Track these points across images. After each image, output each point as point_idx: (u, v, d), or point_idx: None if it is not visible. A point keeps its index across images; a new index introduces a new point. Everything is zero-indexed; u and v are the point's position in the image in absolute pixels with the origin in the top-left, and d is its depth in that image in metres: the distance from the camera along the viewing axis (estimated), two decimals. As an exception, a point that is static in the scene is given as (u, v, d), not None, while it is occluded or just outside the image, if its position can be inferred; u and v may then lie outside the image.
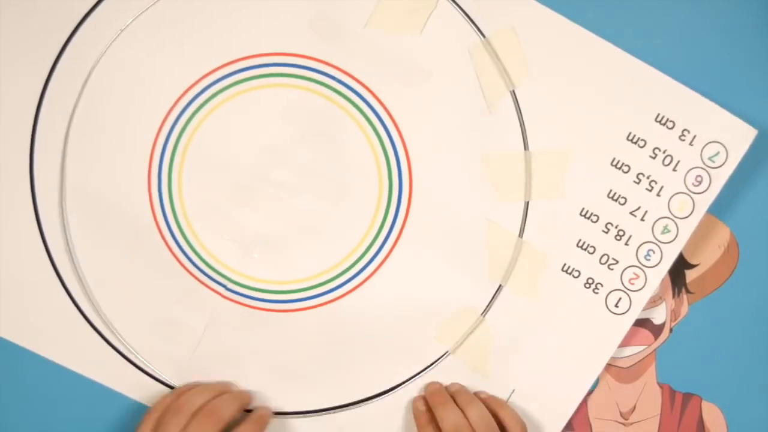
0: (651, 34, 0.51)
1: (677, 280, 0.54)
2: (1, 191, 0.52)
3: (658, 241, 0.52)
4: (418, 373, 0.54)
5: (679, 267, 0.54)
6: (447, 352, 0.54)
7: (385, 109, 0.52)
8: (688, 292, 0.55)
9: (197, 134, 0.52)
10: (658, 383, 0.55)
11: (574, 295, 0.53)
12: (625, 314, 0.52)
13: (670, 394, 0.55)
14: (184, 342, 0.53)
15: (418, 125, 0.52)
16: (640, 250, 0.52)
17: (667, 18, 0.52)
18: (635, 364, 0.55)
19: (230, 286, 0.53)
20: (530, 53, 0.51)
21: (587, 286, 0.53)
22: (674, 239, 0.52)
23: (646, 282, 0.52)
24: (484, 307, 0.53)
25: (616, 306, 0.52)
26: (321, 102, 0.52)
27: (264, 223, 0.53)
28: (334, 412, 0.54)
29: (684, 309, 0.55)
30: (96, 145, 0.52)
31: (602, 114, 0.51)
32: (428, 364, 0.54)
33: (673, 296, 0.55)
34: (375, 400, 0.54)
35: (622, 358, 0.55)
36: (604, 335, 0.53)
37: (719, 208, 0.53)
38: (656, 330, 0.55)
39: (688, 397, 0.55)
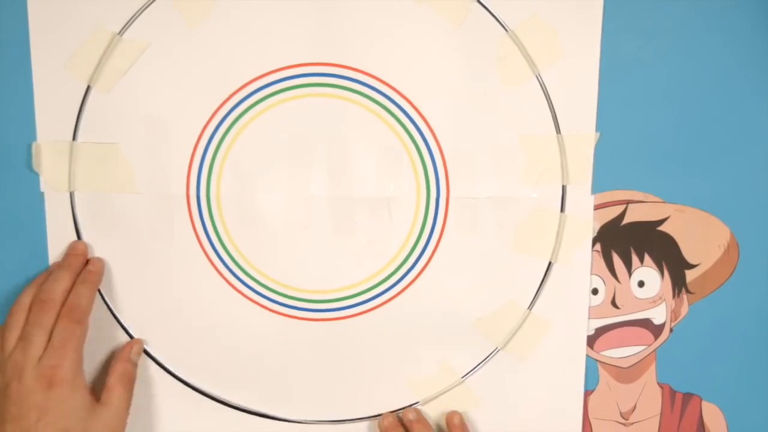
0: (651, 34, 0.51)
1: (677, 280, 0.54)
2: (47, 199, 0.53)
3: None
4: (468, 373, 0.55)
5: (679, 267, 0.54)
6: (497, 348, 0.54)
7: (417, 110, 0.52)
8: (688, 292, 0.55)
9: (236, 144, 0.52)
10: (658, 383, 0.55)
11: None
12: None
13: (670, 394, 0.55)
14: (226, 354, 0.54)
15: (453, 129, 0.52)
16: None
17: (667, 18, 0.52)
18: (635, 364, 0.55)
19: (271, 296, 0.54)
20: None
21: None
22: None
23: None
24: (530, 302, 0.54)
25: None
26: (355, 109, 0.52)
27: (302, 232, 0.53)
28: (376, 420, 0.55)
29: (684, 309, 0.55)
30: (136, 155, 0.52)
31: None
32: (476, 364, 0.54)
33: (673, 296, 0.55)
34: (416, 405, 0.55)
35: (622, 358, 0.55)
36: None
37: (719, 208, 0.53)
38: (656, 330, 0.55)
39: (688, 397, 0.55)
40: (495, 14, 0.51)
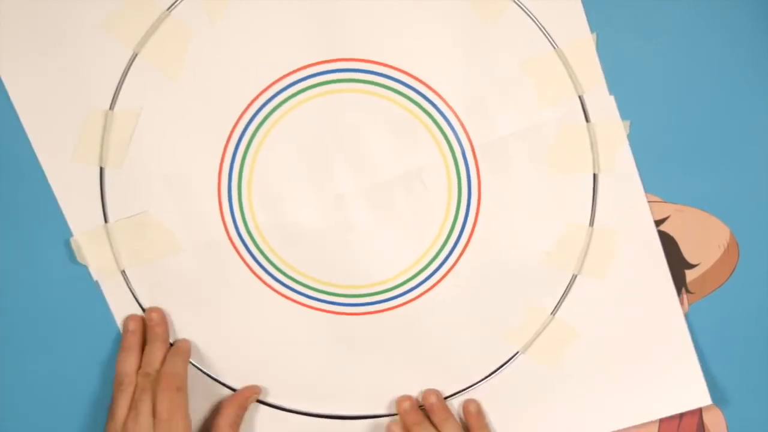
0: (651, 34, 0.51)
1: (677, 280, 0.54)
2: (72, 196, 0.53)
3: None
4: (489, 375, 0.55)
5: (679, 267, 0.54)
6: (518, 352, 0.54)
7: (412, 76, 0.52)
8: (688, 292, 0.55)
9: (255, 170, 0.52)
10: (658, 383, 0.55)
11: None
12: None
13: (670, 394, 0.55)
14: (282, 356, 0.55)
15: (453, 81, 0.52)
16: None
17: (667, 18, 0.52)
18: (635, 363, 0.55)
19: (338, 300, 0.54)
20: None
21: None
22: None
23: None
24: (555, 305, 0.54)
25: None
26: (352, 97, 0.52)
27: (346, 233, 0.53)
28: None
29: (684, 309, 0.54)
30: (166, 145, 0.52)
31: None
32: (500, 364, 0.54)
33: (673, 296, 0.55)
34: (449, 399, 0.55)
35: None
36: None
37: (719, 208, 0.54)
38: (656, 330, 0.55)
39: (688, 397, 0.55)
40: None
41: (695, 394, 0.54)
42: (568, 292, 0.53)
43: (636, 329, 0.54)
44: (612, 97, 0.52)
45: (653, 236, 0.53)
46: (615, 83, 0.52)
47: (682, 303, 0.54)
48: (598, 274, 0.53)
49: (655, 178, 0.53)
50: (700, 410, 0.55)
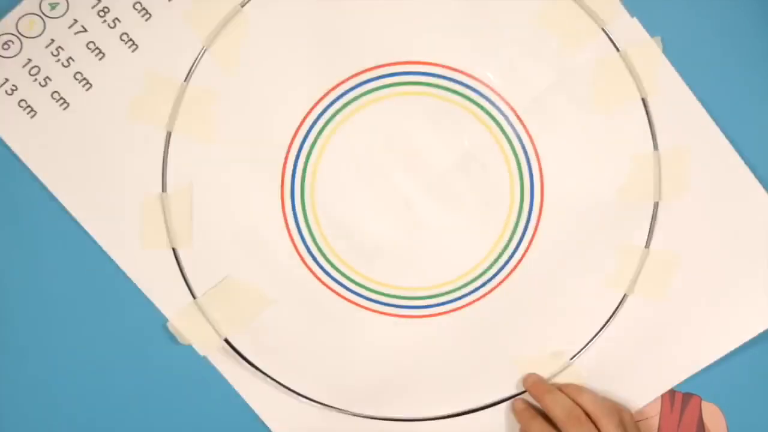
0: (651, 34, 0.52)
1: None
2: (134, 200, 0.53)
3: None
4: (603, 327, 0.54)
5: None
6: (625, 294, 0.53)
7: (517, 116, 0.52)
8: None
9: (320, 168, 0.53)
10: (658, 382, 0.55)
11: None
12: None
13: (670, 393, 0.55)
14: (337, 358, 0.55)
15: (525, 96, 0.52)
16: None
17: (667, 18, 0.52)
18: (636, 362, 0.55)
19: (409, 303, 0.54)
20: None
21: None
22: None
23: None
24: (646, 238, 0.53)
25: None
26: (423, 100, 0.52)
27: (411, 231, 0.53)
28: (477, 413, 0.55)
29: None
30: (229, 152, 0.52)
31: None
32: (611, 312, 0.54)
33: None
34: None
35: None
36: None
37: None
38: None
39: (688, 397, 0.55)
40: None
41: None
42: (655, 221, 0.53)
43: (730, 242, 0.53)
44: (635, 19, 0.51)
45: (722, 142, 0.52)
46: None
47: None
48: (678, 195, 0.52)
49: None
50: (700, 410, 0.55)
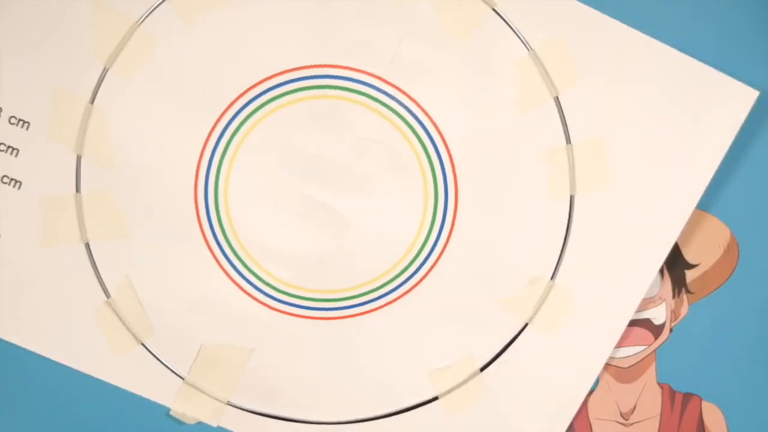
0: (650, 34, 0.51)
1: (677, 280, 0.54)
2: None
3: None
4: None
5: (679, 267, 0.54)
6: (526, 323, 0.53)
7: (424, 111, 0.52)
8: (688, 292, 0.55)
9: (232, 176, 0.52)
10: (658, 383, 0.55)
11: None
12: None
13: (670, 394, 0.55)
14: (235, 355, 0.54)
15: (462, 134, 0.52)
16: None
17: (667, 18, 0.52)
18: (635, 364, 0.55)
19: (279, 297, 0.54)
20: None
21: None
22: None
23: None
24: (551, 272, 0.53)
25: None
26: (332, 104, 0.52)
27: (313, 233, 0.53)
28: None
29: (684, 309, 0.55)
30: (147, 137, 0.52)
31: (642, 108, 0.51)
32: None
33: (673, 296, 0.55)
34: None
35: (622, 358, 0.55)
36: None
37: (719, 208, 0.53)
38: (656, 330, 0.55)
39: (688, 397, 0.55)
40: None
41: None
42: (571, 212, 0.52)
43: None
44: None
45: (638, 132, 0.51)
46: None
47: (681, 303, 0.55)
48: (598, 186, 0.52)
49: (655, 177, 0.53)
50: (700, 410, 0.55)
